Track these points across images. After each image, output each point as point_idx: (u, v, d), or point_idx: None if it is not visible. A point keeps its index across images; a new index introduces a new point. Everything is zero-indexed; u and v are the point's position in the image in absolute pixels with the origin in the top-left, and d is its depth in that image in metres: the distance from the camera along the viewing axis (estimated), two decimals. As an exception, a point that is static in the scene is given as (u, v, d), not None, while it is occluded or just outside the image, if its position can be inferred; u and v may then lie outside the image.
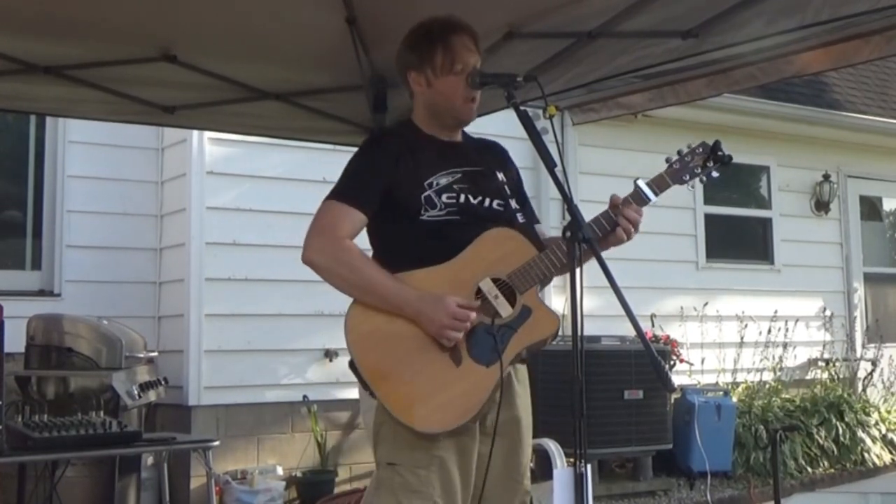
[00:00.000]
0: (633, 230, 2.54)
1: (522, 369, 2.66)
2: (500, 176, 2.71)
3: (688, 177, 2.62)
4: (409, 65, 2.66)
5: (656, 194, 2.59)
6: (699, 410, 7.02)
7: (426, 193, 2.54)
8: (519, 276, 2.48)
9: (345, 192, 2.56)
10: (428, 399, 2.42)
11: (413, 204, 2.53)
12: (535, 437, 2.64)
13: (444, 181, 2.57)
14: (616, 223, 2.52)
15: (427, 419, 2.40)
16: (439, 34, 2.61)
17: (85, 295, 6.14)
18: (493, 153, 2.80)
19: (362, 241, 2.62)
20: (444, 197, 2.55)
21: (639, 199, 2.57)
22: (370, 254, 2.62)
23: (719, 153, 2.61)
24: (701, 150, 2.63)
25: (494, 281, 2.48)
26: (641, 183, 2.58)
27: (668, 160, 2.64)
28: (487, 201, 2.61)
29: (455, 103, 2.61)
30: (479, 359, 2.43)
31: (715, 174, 2.64)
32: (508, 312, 2.47)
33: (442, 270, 2.48)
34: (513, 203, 2.67)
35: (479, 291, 2.47)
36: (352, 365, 2.46)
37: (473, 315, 2.41)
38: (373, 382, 2.43)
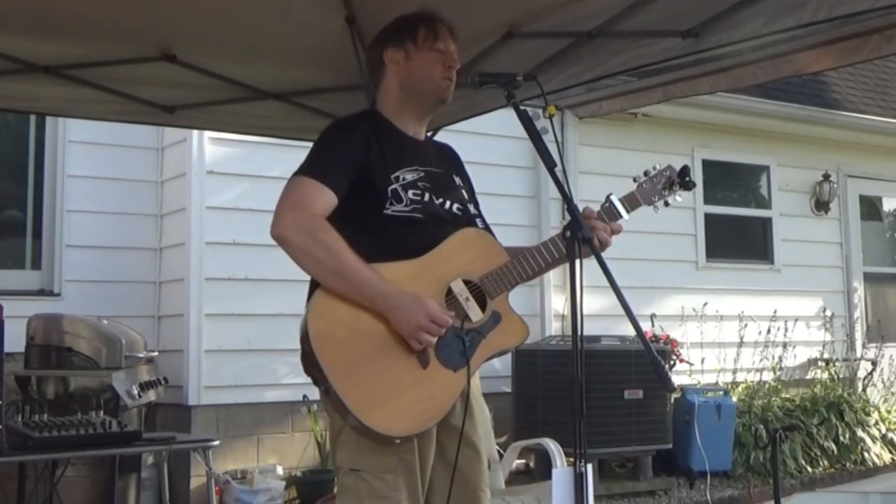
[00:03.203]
0: (608, 243, 2.50)
1: (476, 372, 2.61)
2: (458, 180, 2.67)
3: (656, 198, 2.60)
4: (386, 43, 2.61)
5: (628, 212, 2.56)
6: (699, 410, 7.01)
7: (393, 187, 2.46)
8: (491, 280, 2.45)
9: (318, 168, 2.44)
10: (392, 400, 2.31)
11: (380, 196, 2.44)
12: (535, 436, 2.64)
13: (409, 177, 2.50)
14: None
15: (390, 422, 2.29)
16: (420, 14, 2.60)
17: (85, 295, 6.14)
18: (450, 157, 2.75)
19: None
20: (409, 193, 2.48)
21: (612, 214, 2.54)
22: None
23: (686, 178, 2.59)
24: (668, 172, 2.60)
25: (466, 283, 2.43)
26: (615, 198, 2.56)
27: (636, 179, 2.61)
28: (448, 203, 2.56)
29: (434, 78, 2.56)
30: (446, 362, 2.36)
31: (678, 199, 2.62)
32: (479, 317, 2.42)
33: (412, 266, 2.41)
34: (471, 208, 2.64)
35: (449, 292, 2.42)
36: (306, 357, 2.33)
37: (450, 321, 2.35)
38: (334, 378, 2.27)
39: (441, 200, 2.54)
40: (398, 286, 2.35)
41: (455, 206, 2.58)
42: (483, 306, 2.44)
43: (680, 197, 2.63)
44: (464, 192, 2.67)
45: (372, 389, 2.30)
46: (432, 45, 2.57)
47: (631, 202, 2.58)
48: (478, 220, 2.64)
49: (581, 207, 2.30)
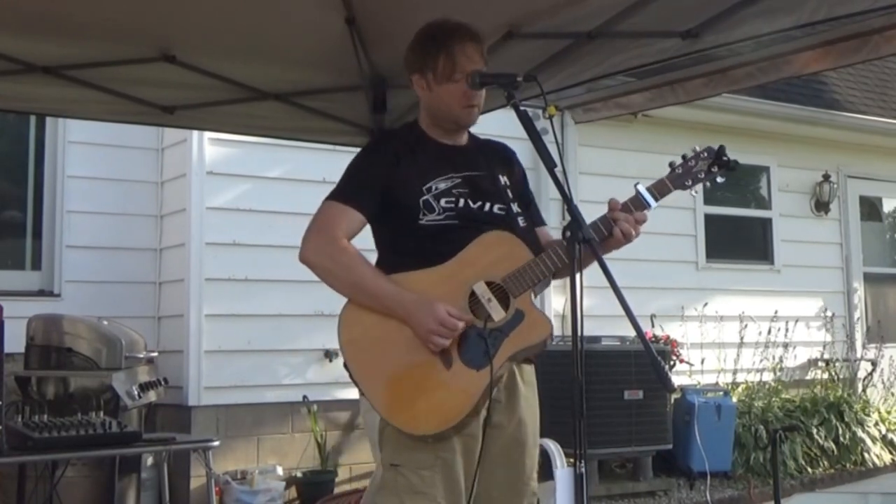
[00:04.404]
0: (632, 233, 2.52)
1: (529, 370, 2.64)
2: (503, 179, 2.69)
3: (690, 182, 2.59)
4: (413, 67, 2.66)
5: (657, 199, 2.56)
6: (699, 410, 7.01)
7: (424, 198, 2.54)
8: (513, 279, 2.48)
9: (344, 191, 2.58)
10: (416, 401, 2.44)
11: (412, 208, 2.53)
12: (535, 436, 2.66)
13: (443, 185, 2.57)
14: (612, 227, 2.50)
15: (413, 421, 2.42)
16: (443, 40, 2.59)
17: (85, 295, 6.14)
18: (498, 155, 2.79)
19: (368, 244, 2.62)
20: (442, 201, 2.55)
21: (638, 203, 2.55)
22: (375, 257, 2.62)
23: (724, 158, 2.59)
24: (706, 154, 2.60)
25: (489, 284, 2.47)
26: (641, 187, 2.56)
27: (671, 164, 2.61)
28: (488, 206, 2.61)
29: (454, 110, 2.61)
30: (469, 362, 2.43)
31: (720, 179, 2.61)
32: (501, 316, 2.46)
33: (437, 272, 2.49)
34: (514, 207, 2.66)
35: (472, 294, 2.47)
36: (344, 364, 2.49)
37: (462, 324, 2.41)
38: (363, 382, 2.45)
39: (479, 204, 2.59)
40: (421, 293, 2.44)
41: (496, 207, 2.62)
42: (507, 306, 2.47)
43: (721, 178, 2.60)
44: (509, 190, 2.68)
45: (398, 392, 2.44)
46: (450, 77, 2.57)
47: (660, 188, 2.58)
48: (520, 219, 2.65)
49: (581, 208, 2.30)
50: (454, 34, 2.60)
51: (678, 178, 2.59)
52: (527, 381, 2.63)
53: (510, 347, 2.47)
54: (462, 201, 2.57)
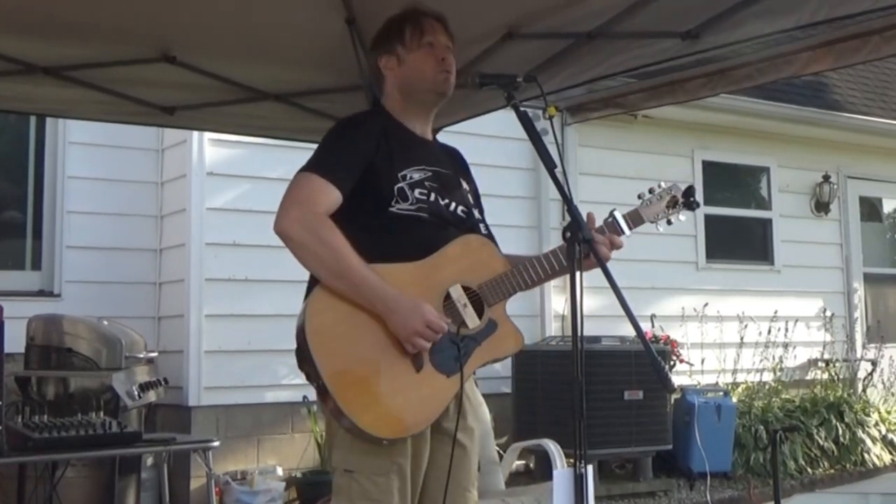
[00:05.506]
0: (609, 257, 2.49)
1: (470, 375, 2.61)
2: (464, 184, 2.67)
3: (659, 216, 2.62)
4: (379, 51, 2.63)
5: (630, 228, 2.59)
6: (699, 411, 7.01)
7: (399, 185, 2.47)
8: (490, 288, 2.45)
9: (325, 166, 2.44)
10: (383, 402, 2.32)
11: (385, 193, 2.45)
12: (535, 437, 2.65)
13: (417, 176, 2.51)
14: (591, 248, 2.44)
15: (379, 423, 2.30)
16: (407, 16, 2.61)
17: (85, 295, 6.14)
18: (457, 161, 2.76)
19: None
20: (416, 192, 2.48)
21: (613, 229, 2.56)
22: None
23: (691, 199, 2.61)
24: (673, 191, 2.62)
25: (465, 289, 2.43)
26: (618, 214, 2.58)
27: (640, 196, 2.63)
28: (454, 205, 2.56)
29: (428, 76, 2.56)
30: (440, 367, 2.37)
31: (682, 217, 2.63)
32: (475, 323, 2.43)
33: (412, 269, 2.41)
34: (475, 213, 2.64)
35: (447, 297, 2.42)
36: (301, 352, 2.33)
37: (446, 327, 2.36)
38: (327, 377, 2.28)
39: (447, 201, 2.54)
40: (397, 289, 2.35)
41: (460, 208, 2.58)
42: (480, 313, 2.44)
43: (683, 216, 2.64)
44: (469, 195, 2.66)
45: (364, 390, 2.32)
46: (420, 41, 2.57)
47: (634, 219, 2.60)
48: (481, 226, 2.64)
49: (581, 208, 2.30)
50: (415, 11, 2.61)
51: (649, 212, 2.61)
52: (469, 384, 2.57)
53: (480, 357, 2.44)
54: (433, 195, 2.51)
